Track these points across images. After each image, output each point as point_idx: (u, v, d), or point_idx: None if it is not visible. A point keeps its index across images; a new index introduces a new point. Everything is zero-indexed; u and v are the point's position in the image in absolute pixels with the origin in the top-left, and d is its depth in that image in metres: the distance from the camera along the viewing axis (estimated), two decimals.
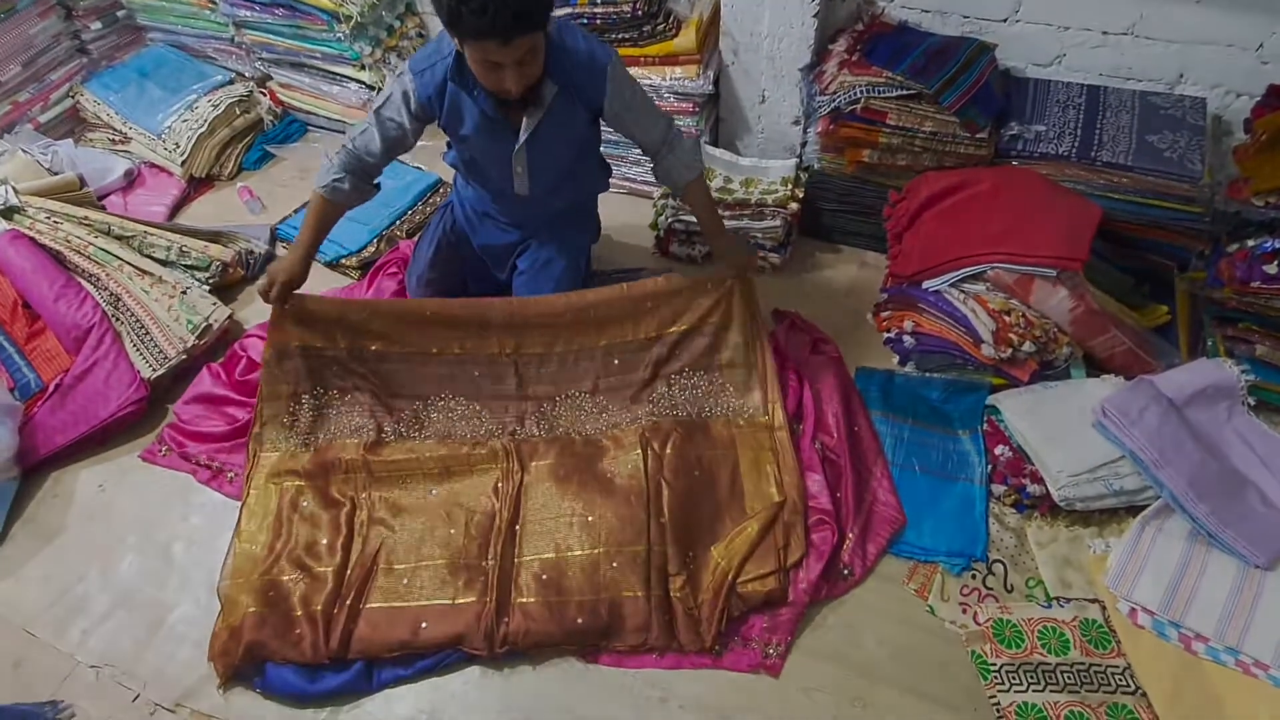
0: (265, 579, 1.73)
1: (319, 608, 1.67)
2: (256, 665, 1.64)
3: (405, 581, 1.73)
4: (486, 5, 1.39)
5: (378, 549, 1.78)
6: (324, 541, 1.79)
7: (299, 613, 1.68)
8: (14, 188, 2.32)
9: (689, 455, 1.89)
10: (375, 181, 1.93)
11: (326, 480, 1.89)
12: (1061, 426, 1.82)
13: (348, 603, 1.68)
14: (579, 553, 1.75)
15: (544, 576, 1.72)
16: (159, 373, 2.12)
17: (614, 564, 1.72)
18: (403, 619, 1.67)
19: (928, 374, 2.11)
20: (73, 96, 3.03)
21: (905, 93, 2.12)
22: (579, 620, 1.66)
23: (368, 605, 1.70)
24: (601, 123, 1.88)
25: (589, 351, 2.01)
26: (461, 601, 1.69)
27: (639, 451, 1.89)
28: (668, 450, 1.89)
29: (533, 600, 1.69)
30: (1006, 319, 1.94)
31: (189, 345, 2.16)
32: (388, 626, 1.66)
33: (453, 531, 1.80)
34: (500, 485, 1.87)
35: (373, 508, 1.85)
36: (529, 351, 2.01)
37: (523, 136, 1.74)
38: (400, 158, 2.88)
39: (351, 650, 1.64)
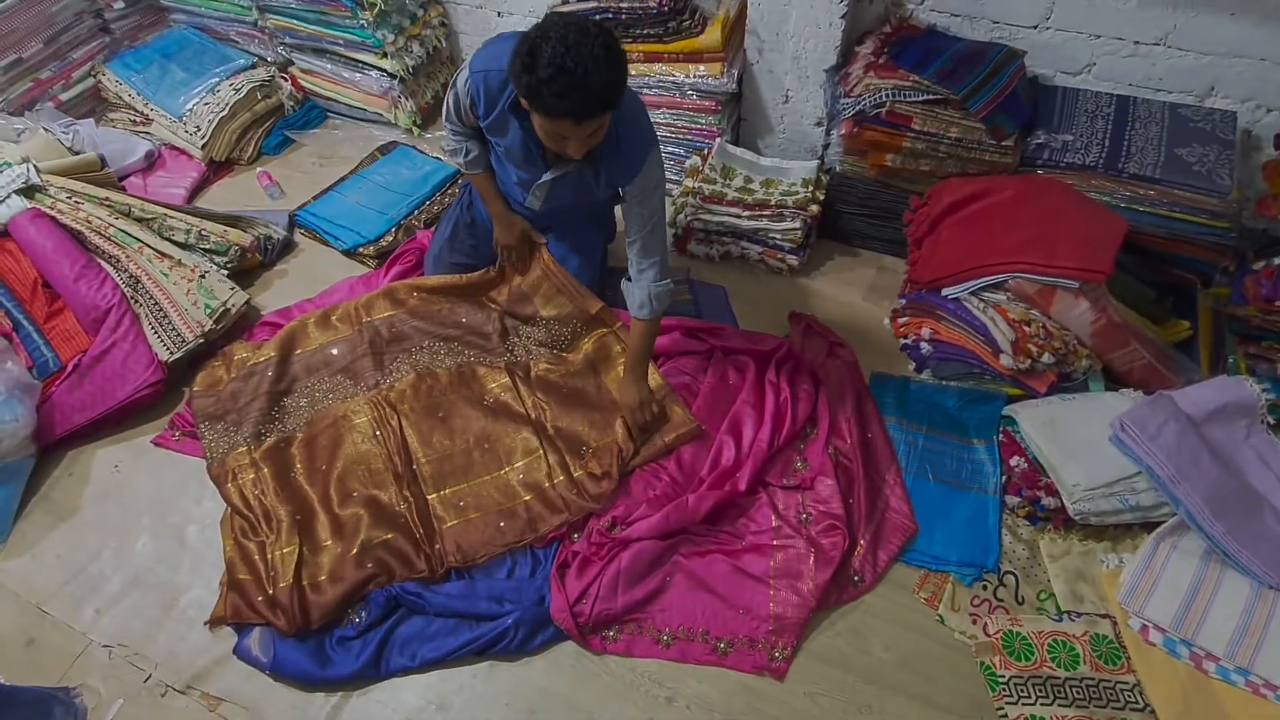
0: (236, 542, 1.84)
1: (278, 587, 1.72)
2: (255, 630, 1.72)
3: (329, 542, 1.80)
4: (568, 90, 1.36)
5: (297, 535, 1.81)
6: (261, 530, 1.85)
7: (265, 593, 1.73)
8: (35, 166, 2.33)
9: (551, 377, 2.10)
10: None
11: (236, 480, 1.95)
12: (1078, 440, 1.81)
13: (290, 583, 1.72)
14: (487, 476, 1.92)
15: (460, 503, 1.87)
16: (176, 356, 2.13)
17: (521, 476, 1.91)
18: (348, 572, 1.75)
19: (944, 382, 2.10)
20: (94, 76, 3.03)
21: (931, 97, 2.10)
22: (501, 524, 1.83)
23: (311, 581, 1.75)
24: None
25: (435, 314, 2.20)
26: (391, 536, 1.80)
27: (506, 377, 2.08)
28: (532, 375, 2.10)
29: (456, 523, 1.84)
30: (1026, 329, 1.92)
31: (206, 329, 2.17)
32: (333, 586, 1.73)
33: (355, 494, 1.88)
34: (379, 433, 1.97)
35: (274, 497, 1.89)
36: (378, 315, 2.19)
37: (549, 175, 1.79)
38: (419, 148, 2.92)
39: (314, 619, 1.68)
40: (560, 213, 2.02)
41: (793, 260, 2.40)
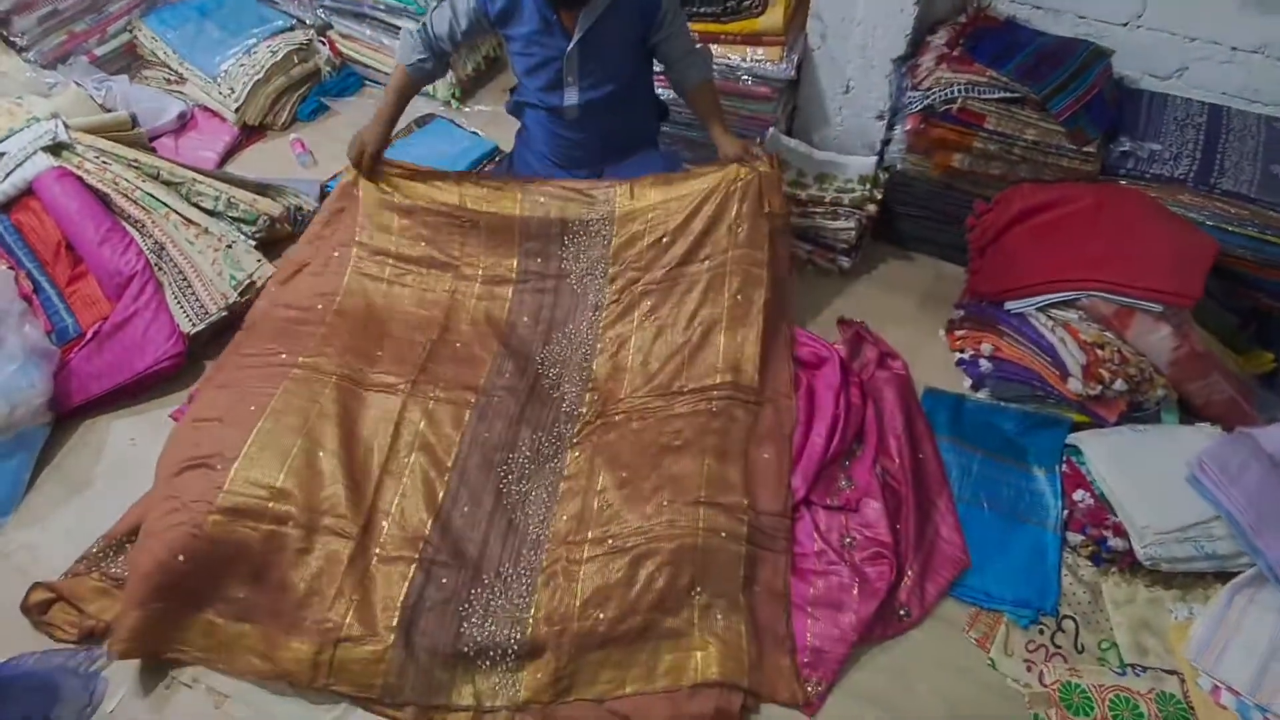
0: None
1: None
2: None
3: None
4: None
5: None
6: None
7: None
8: (65, 123, 2.25)
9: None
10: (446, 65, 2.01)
11: None
12: (1151, 477, 1.68)
13: None
14: None
15: None
16: (198, 328, 2.05)
17: None
18: None
19: (1002, 402, 1.97)
20: (130, 31, 2.95)
21: (1008, 95, 1.95)
22: None
23: None
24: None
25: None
26: None
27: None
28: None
29: None
30: (1099, 353, 1.79)
31: (230, 301, 2.10)
32: None
33: None
34: None
35: None
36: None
37: (576, 36, 1.77)
38: (457, 121, 2.81)
39: None
40: (603, 115, 1.94)
41: (844, 262, 2.27)
